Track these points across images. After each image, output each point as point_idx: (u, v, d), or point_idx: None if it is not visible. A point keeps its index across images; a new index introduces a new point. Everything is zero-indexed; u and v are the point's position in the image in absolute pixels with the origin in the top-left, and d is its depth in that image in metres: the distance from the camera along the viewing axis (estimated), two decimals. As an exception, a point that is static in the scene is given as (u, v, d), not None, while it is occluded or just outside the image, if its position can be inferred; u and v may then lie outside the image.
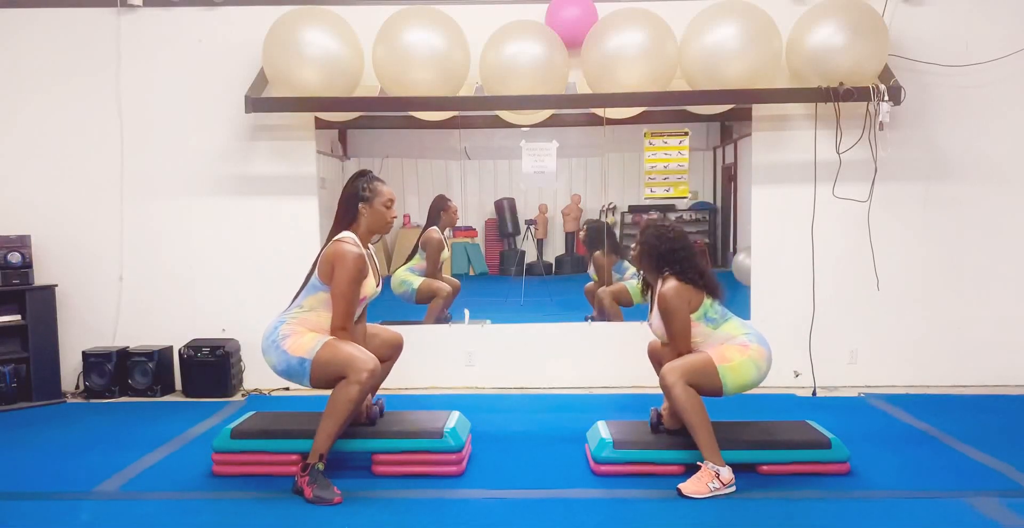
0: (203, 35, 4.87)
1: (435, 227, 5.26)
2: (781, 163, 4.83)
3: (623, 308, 5.14)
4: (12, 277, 4.67)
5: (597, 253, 5.28)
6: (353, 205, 3.27)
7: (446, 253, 5.32)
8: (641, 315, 4.87)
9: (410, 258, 5.31)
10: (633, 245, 3.47)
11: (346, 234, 3.24)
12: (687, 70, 4.57)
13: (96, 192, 4.93)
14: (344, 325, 3.18)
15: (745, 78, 4.44)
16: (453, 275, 5.48)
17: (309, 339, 3.17)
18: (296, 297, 3.31)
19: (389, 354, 3.54)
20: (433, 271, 5.23)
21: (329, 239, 3.27)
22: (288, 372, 3.19)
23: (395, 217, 3.37)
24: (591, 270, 5.38)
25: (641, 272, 3.52)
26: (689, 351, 3.28)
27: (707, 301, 3.28)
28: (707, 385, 3.19)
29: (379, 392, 4.79)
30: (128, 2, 4.83)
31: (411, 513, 2.98)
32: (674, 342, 3.29)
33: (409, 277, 5.26)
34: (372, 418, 3.43)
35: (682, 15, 4.56)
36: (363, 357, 3.11)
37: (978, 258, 4.84)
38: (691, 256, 3.32)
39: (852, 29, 4.37)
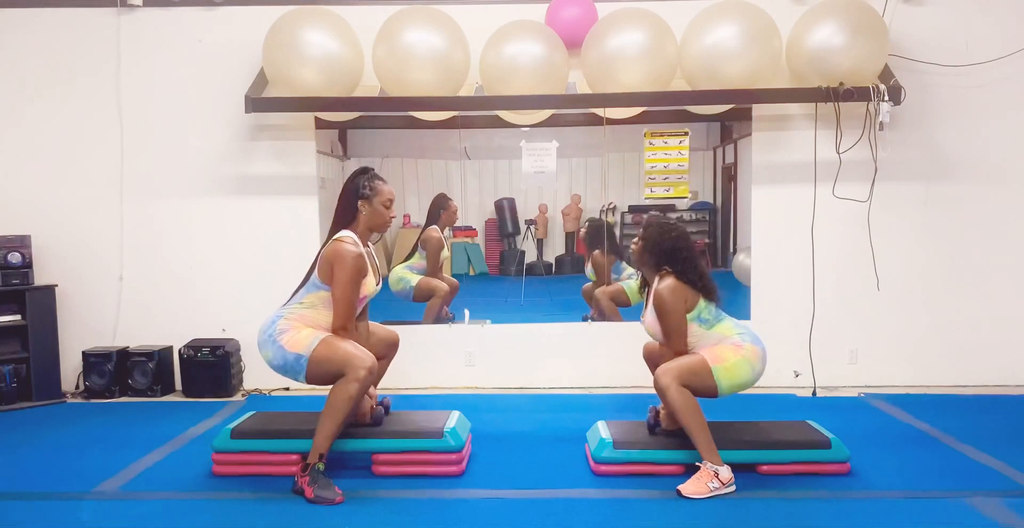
0: (203, 35, 4.87)
1: (435, 226, 5.24)
2: (781, 163, 4.83)
3: (621, 309, 5.14)
4: (12, 277, 4.67)
5: (596, 252, 5.27)
6: (353, 202, 3.27)
7: (446, 253, 5.30)
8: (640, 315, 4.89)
9: (409, 256, 5.30)
10: (634, 241, 3.45)
11: (345, 233, 3.24)
12: (687, 70, 4.56)
13: (96, 192, 4.94)
14: (345, 325, 3.19)
15: (745, 78, 4.44)
16: (453, 275, 5.48)
17: (306, 335, 3.17)
18: (295, 293, 3.31)
19: (385, 352, 3.55)
20: (433, 270, 5.22)
21: (329, 237, 3.27)
22: (284, 368, 3.19)
23: (394, 217, 3.37)
24: (589, 270, 5.37)
25: (639, 271, 3.52)
26: (685, 350, 3.28)
27: (702, 303, 3.28)
28: (701, 386, 3.19)
29: (380, 392, 4.81)
30: (128, 2, 4.83)
31: (411, 513, 2.98)
32: (669, 341, 3.29)
33: (407, 275, 5.26)
34: (377, 419, 3.42)
35: (682, 15, 4.56)
36: (360, 355, 3.11)
37: (978, 258, 4.84)
38: (692, 256, 3.32)
39: (852, 29, 4.37)
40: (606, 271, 5.21)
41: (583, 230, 5.38)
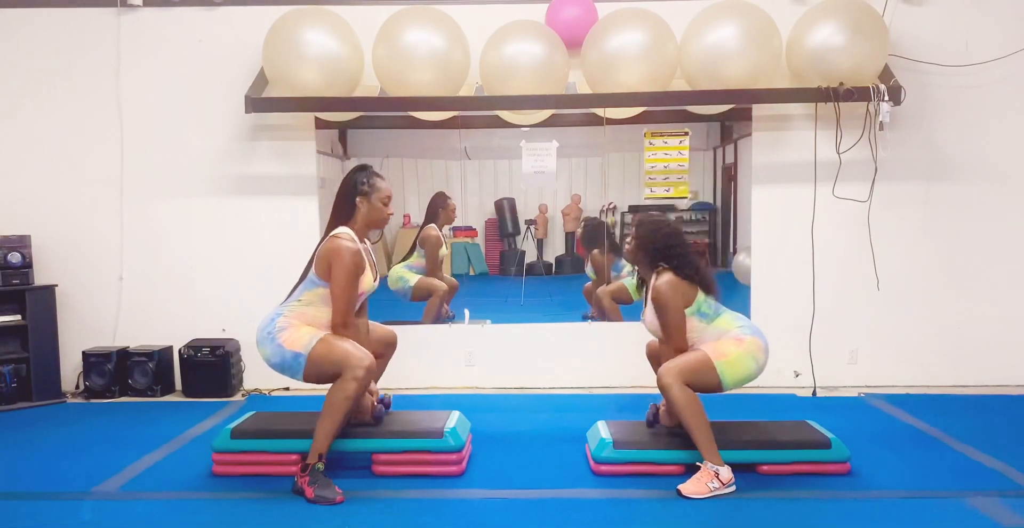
0: (203, 35, 4.87)
1: (433, 225, 5.24)
2: (781, 163, 4.83)
3: (623, 307, 5.14)
4: (12, 277, 4.67)
5: (595, 252, 5.27)
6: (351, 199, 3.27)
7: (444, 251, 5.30)
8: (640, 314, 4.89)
9: (408, 256, 5.30)
10: (628, 240, 3.46)
11: (342, 230, 3.24)
12: (687, 70, 4.56)
13: (96, 192, 4.93)
14: (345, 321, 3.18)
15: (745, 78, 4.44)
16: (453, 275, 5.48)
17: (305, 333, 3.17)
18: (293, 291, 3.30)
19: (384, 351, 3.54)
20: (432, 269, 5.22)
21: (326, 234, 3.27)
22: (282, 366, 3.19)
23: (391, 214, 3.36)
24: (589, 269, 5.37)
25: (636, 268, 3.52)
26: (686, 346, 3.28)
27: (701, 296, 3.28)
28: (706, 382, 3.20)
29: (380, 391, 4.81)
30: (128, 2, 4.83)
31: (411, 513, 2.98)
32: (670, 337, 3.29)
33: (406, 274, 5.26)
34: (378, 417, 3.42)
35: (682, 15, 4.56)
36: (359, 354, 3.11)
37: (978, 258, 4.84)
38: (686, 251, 3.32)
39: (852, 29, 4.37)
40: (606, 270, 5.21)
41: (580, 230, 5.39)
